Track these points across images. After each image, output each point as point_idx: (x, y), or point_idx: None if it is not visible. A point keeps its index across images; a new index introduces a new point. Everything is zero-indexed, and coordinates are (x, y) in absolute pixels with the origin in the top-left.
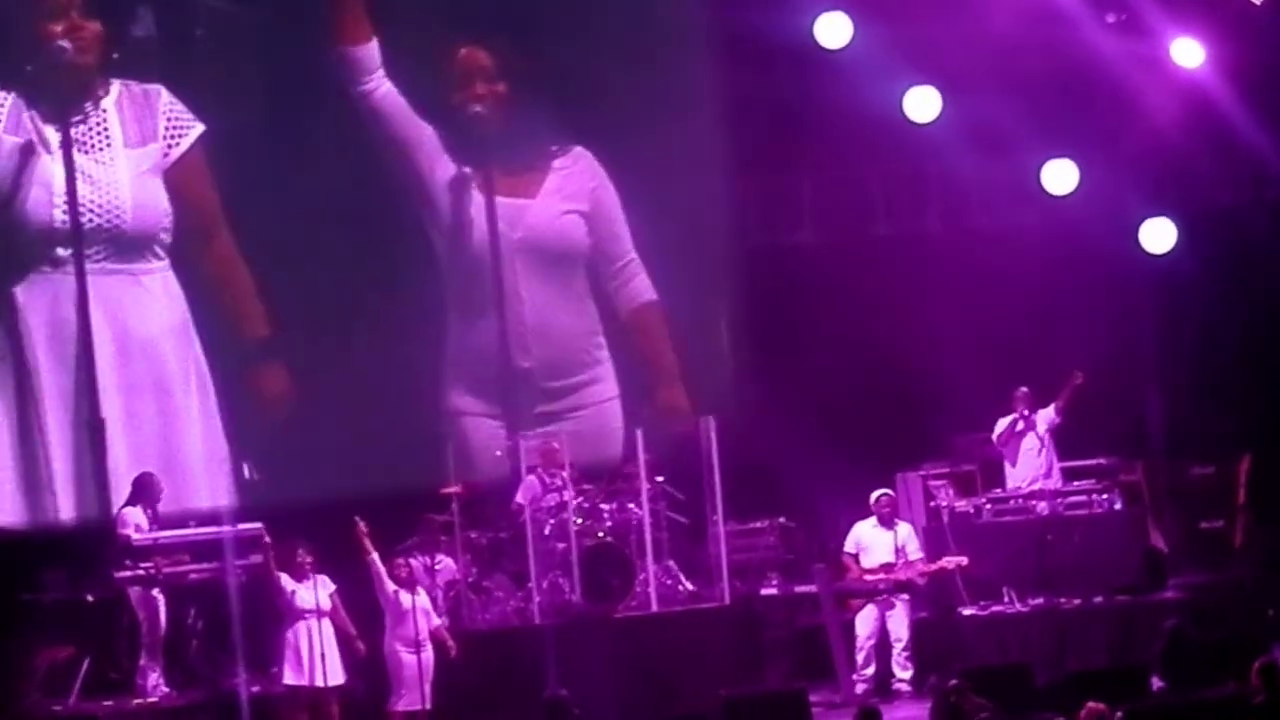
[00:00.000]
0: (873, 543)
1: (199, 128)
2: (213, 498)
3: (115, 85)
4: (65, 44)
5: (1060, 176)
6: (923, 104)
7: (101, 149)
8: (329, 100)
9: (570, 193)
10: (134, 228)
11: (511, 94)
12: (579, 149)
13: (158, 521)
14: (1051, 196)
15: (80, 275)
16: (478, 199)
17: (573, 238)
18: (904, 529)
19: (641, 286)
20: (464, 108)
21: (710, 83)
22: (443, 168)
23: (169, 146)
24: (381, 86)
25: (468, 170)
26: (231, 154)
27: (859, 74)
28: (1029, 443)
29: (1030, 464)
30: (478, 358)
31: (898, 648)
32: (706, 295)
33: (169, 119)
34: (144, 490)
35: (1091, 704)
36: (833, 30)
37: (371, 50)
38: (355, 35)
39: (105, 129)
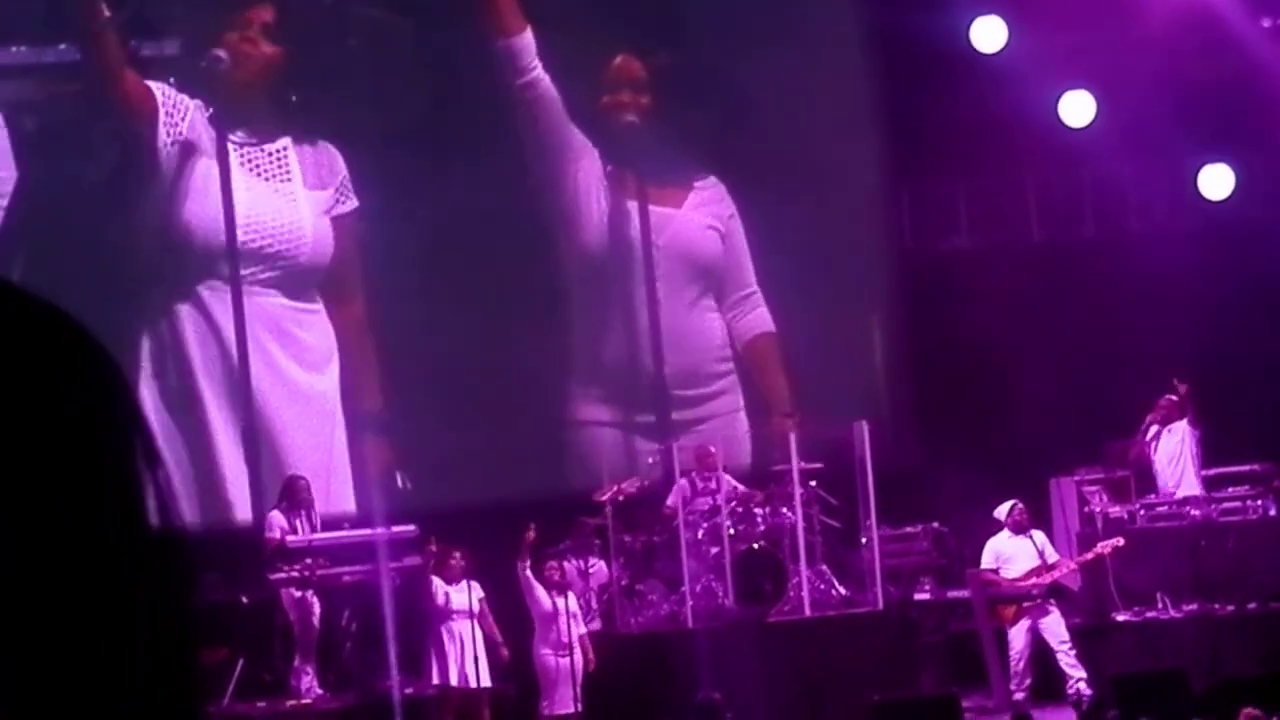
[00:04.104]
0: (1014, 553)
1: (355, 202)
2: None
3: (288, 136)
4: (223, 55)
5: (1217, 181)
6: (1078, 108)
7: (282, 180)
8: (479, 105)
9: (711, 211)
10: (310, 260)
11: (658, 107)
12: (714, 178)
13: (310, 525)
14: (1208, 201)
15: (235, 287)
16: (623, 204)
17: (711, 252)
18: (1038, 535)
19: (761, 319)
20: (621, 115)
21: (866, 88)
22: (587, 170)
23: (336, 201)
24: (542, 80)
25: (611, 170)
26: (384, 160)
27: (1014, 79)
28: (1166, 453)
29: (1165, 473)
30: (610, 363)
31: (1064, 649)
32: (860, 302)
33: (342, 178)
34: (292, 494)
35: (1248, 710)
36: (988, 35)
37: (527, 40)
38: (510, 25)
39: (285, 164)
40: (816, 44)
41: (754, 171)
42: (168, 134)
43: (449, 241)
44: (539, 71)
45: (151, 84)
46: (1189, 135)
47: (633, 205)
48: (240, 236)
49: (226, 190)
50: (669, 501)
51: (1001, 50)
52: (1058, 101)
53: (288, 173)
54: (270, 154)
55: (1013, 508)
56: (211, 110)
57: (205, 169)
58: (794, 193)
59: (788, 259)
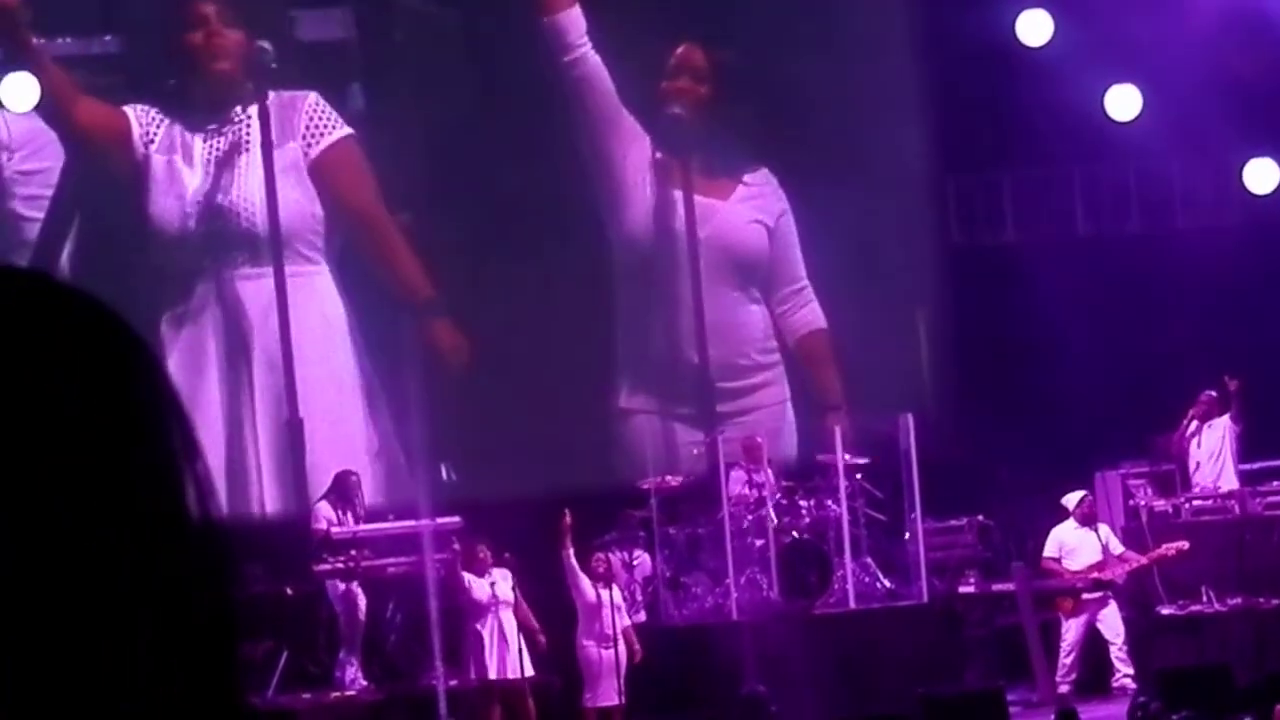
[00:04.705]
0: (1078, 544)
1: (345, 130)
2: (373, 497)
3: (270, 95)
4: (206, 50)
5: (1262, 175)
6: (1124, 102)
7: (241, 154)
8: (525, 94)
9: (758, 205)
10: (285, 226)
11: (713, 98)
12: (766, 170)
13: (358, 519)
14: (1252, 195)
15: (279, 274)
16: (669, 192)
17: (756, 246)
18: (1103, 528)
19: (812, 314)
20: (676, 103)
21: (913, 83)
22: (636, 155)
23: (308, 145)
24: (590, 57)
25: (660, 158)
26: (431, 152)
27: (1060, 72)
28: (1206, 448)
29: (1205, 468)
30: (653, 354)
31: (1117, 643)
32: (906, 295)
33: (310, 119)
34: (342, 488)
35: None
36: (1034, 28)
37: (575, 16)
38: (555, 1)
39: (247, 136)
40: (865, 38)
41: (802, 164)
42: (143, 146)
43: (494, 231)
44: (587, 49)
45: (126, 108)
46: (1234, 130)
47: (679, 196)
48: (202, 224)
49: (270, 176)
50: (729, 491)
51: (1047, 44)
52: (1104, 95)
53: (248, 144)
54: (234, 132)
55: (1082, 499)
56: (191, 111)
57: (176, 171)
58: (841, 186)
59: (834, 252)
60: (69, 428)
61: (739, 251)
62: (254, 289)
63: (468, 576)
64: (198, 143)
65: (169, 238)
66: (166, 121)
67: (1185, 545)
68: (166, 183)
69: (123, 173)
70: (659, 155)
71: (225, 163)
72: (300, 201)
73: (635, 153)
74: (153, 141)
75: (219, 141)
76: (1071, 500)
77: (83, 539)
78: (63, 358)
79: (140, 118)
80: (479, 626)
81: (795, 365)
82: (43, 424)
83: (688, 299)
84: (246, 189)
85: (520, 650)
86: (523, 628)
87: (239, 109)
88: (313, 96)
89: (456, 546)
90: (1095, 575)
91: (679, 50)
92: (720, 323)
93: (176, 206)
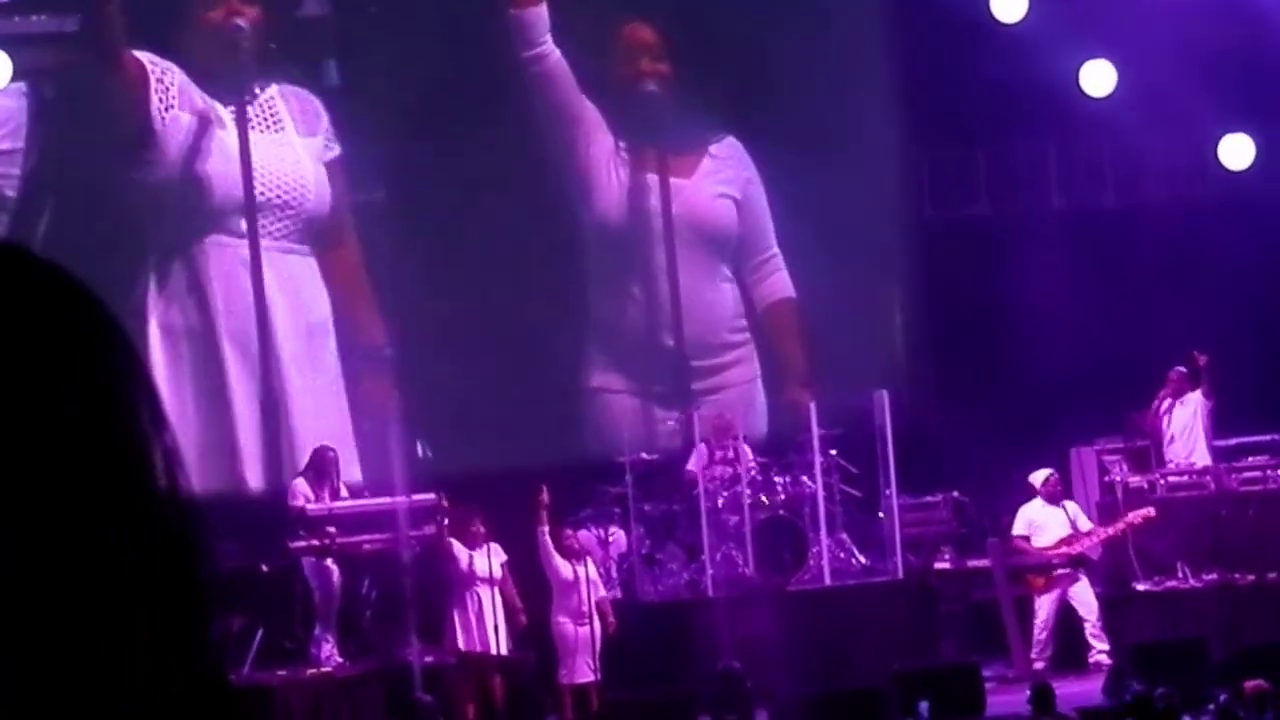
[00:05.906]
0: (1046, 521)
1: (339, 148)
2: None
3: (273, 85)
4: (239, 23)
5: (1237, 151)
6: (1099, 77)
7: (277, 130)
8: (498, 72)
9: (724, 178)
10: (314, 209)
11: (674, 74)
12: (732, 139)
13: (336, 495)
14: (1228, 171)
15: (254, 247)
16: (635, 175)
17: (724, 221)
18: (1071, 505)
19: (780, 283)
20: (635, 84)
21: (885, 56)
22: (600, 142)
23: (325, 147)
24: (552, 54)
25: (624, 145)
26: (405, 126)
27: (1035, 47)
28: (1179, 424)
29: (1178, 444)
30: (624, 333)
31: (1090, 620)
32: (879, 269)
33: (326, 124)
34: (319, 464)
35: (1253, 682)
36: (1009, 4)
37: (540, 13)
38: None
39: (276, 114)
40: (836, 9)
41: (772, 137)
42: (160, 100)
43: (468, 208)
44: (548, 46)
45: (138, 54)
46: (1210, 105)
47: (645, 176)
48: (255, 191)
49: (244, 148)
50: (689, 466)
51: (1023, 19)
52: (1078, 70)
53: (280, 122)
54: (261, 106)
55: (1048, 477)
56: (213, 79)
57: (203, 130)
58: (813, 158)
59: (806, 225)
60: (69, 427)
61: (707, 228)
62: (290, 261)
63: (458, 546)
64: (221, 108)
65: (212, 199)
66: (178, 78)
67: (1151, 512)
68: (205, 143)
69: (136, 126)
70: (621, 141)
71: (264, 135)
72: (329, 188)
73: (600, 138)
74: (173, 100)
75: (250, 111)
76: (1038, 478)
77: (83, 539)
78: (63, 355)
79: (154, 70)
80: (463, 599)
81: (765, 341)
82: (43, 423)
83: (659, 277)
84: (294, 163)
85: (498, 628)
86: (505, 605)
87: (258, 86)
88: (319, 102)
89: (446, 504)
90: (1065, 550)
91: (626, 30)
92: (691, 301)
93: (224, 168)
